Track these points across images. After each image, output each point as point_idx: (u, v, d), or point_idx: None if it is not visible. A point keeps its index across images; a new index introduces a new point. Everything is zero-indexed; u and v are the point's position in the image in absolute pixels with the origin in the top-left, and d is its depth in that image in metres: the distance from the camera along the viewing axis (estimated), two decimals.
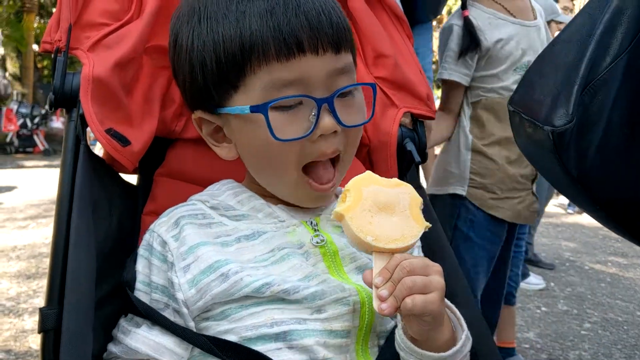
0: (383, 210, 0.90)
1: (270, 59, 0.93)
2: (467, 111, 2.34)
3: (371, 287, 0.87)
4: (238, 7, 0.95)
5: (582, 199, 1.14)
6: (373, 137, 1.38)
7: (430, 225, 0.92)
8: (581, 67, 1.05)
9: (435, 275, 0.87)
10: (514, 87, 1.78)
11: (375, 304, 0.84)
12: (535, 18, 2.39)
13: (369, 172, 0.94)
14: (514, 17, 2.31)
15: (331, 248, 1.02)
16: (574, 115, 1.05)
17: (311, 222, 1.06)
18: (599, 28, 1.06)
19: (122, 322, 1.01)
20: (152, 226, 1.04)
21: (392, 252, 0.88)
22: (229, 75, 0.96)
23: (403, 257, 0.86)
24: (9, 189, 8.29)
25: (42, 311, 0.98)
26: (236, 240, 1.00)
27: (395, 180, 0.95)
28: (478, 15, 2.27)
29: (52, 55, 1.14)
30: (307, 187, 1.01)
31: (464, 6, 2.30)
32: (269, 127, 0.93)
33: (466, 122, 2.34)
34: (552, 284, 4.91)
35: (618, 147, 1.08)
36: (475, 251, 2.34)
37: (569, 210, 8.77)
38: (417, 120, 1.43)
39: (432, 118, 1.41)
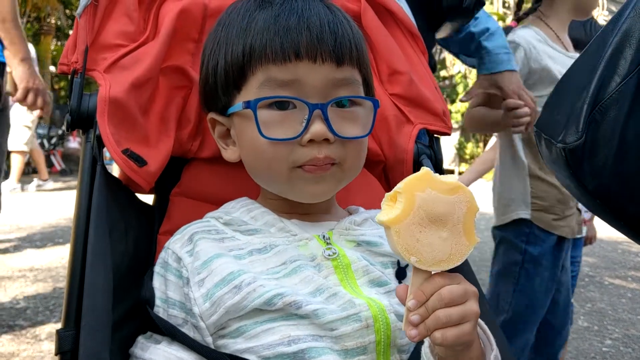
0: (434, 224, 0.82)
1: (268, 61, 0.97)
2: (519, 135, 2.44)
3: (404, 304, 0.83)
4: (251, 14, 1.02)
5: (605, 215, 1.14)
6: (389, 154, 1.37)
7: (480, 240, 0.86)
8: (590, 87, 1.07)
9: (472, 302, 0.84)
10: None
11: (405, 327, 0.82)
12: (570, 51, 2.55)
13: (426, 171, 0.84)
14: (563, 45, 2.49)
15: (343, 261, 1.02)
16: (584, 133, 1.07)
17: (324, 236, 1.05)
18: (608, 50, 1.08)
19: (140, 339, 1.00)
20: (167, 243, 1.05)
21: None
22: (234, 77, 1.02)
23: (442, 282, 0.82)
24: (26, 209, 8.36)
25: (59, 333, 0.97)
26: (249, 254, 1.00)
27: (454, 182, 0.84)
28: (532, 37, 2.44)
29: (69, 77, 1.15)
30: (300, 178, 1.00)
31: (517, 19, 2.61)
32: (256, 123, 0.96)
33: (519, 145, 2.45)
34: (572, 299, 4.84)
35: (636, 163, 1.08)
36: (545, 275, 2.41)
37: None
38: (433, 137, 1.42)
39: (448, 134, 1.41)
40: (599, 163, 1.07)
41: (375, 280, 1.02)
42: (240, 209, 1.09)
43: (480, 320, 0.93)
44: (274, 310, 0.93)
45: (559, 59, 2.43)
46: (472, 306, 0.83)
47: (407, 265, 1.07)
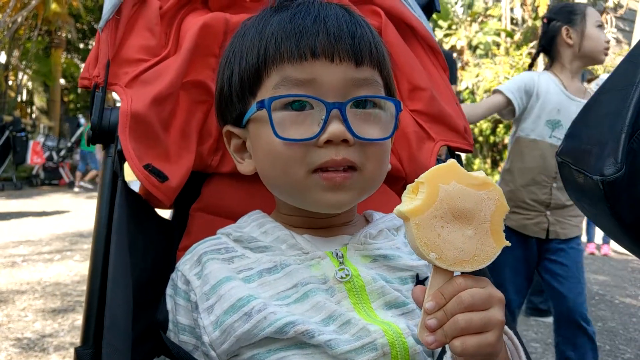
0: (458, 220, 0.75)
1: (283, 61, 0.93)
2: (511, 143, 3.08)
3: (420, 308, 0.77)
4: (266, 19, 0.99)
5: (637, 249, 1.10)
6: (410, 170, 1.35)
7: (510, 243, 0.78)
8: (627, 114, 1.04)
9: (496, 308, 0.77)
10: (541, 133, 2.92)
11: (421, 333, 0.76)
12: (586, 97, 2.97)
13: (452, 162, 0.78)
14: (565, 88, 2.98)
15: (357, 283, 0.95)
16: (623, 164, 1.02)
17: (337, 254, 0.98)
18: None
19: None
20: (177, 264, 1.03)
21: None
22: (249, 82, 0.98)
23: (464, 285, 0.76)
24: (35, 221, 8.38)
25: (77, 351, 0.96)
26: (258, 275, 0.95)
27: (483, 177, 0.77)
28: (544, 79, 3.01)
29: (91, 91, 1.14)
30: (318, 185, 0.93)
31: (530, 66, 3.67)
32: (271, 123, 0.91)
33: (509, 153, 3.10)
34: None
35: None
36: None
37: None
38: (454, 153, 1.41)
39: (470, 151, 1.39)
40: (637, 194, 1.03)
41: (392, 302, 0.95)
42: (251, 223, 1.05)
43: (508, 330, 0.87)
44: (287, 338, 0.88)
45: (558, 97, 2.95)
46: (496, 313, 0.76)
47: (426, 278, 1.01)
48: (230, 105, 1.03)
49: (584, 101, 2.85)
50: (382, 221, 1.08)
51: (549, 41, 3.08)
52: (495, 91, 3.03)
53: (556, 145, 2.85)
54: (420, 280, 1.01)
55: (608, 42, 3.00)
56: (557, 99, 2.95)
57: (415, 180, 0.77)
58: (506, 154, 3.30)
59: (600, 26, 3.00)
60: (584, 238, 7.58)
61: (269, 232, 1.02)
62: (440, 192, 0.75)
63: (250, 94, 0.99)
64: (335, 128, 0.90)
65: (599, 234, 8.37)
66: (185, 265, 1.00)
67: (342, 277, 0.95)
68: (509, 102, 2.96)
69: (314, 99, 0.91)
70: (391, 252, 1.01)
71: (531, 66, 3.58)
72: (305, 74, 0.92)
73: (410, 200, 0.77)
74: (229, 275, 0.95)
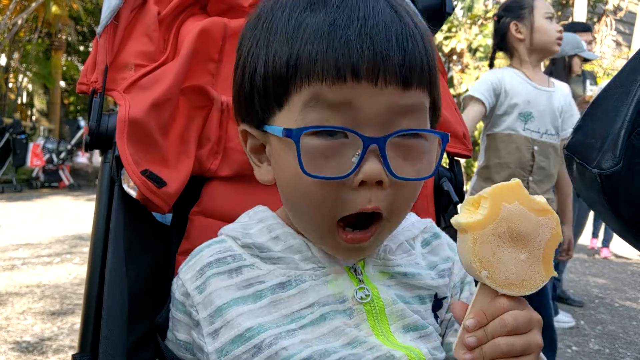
0: (514, 242, 0.74)
1: (318, 79, 0.79)
2: (484, 140, 3.12)
3: (459, 323, 0.76)
4: (298, 17, 0.83)
5: (638, 244, 1.10)
6: None
7: (556, 274, 0.78)
8: (627, 110, 1.04)
9: (535, 332, 0.76)
10: (514, 126, 2.94)
11: (457, 350, 0.75)
12: (550, 86, 3.10)
13: (518, 183, 0.75)
14: (530, 79, 3.03)
15: (377, 304, 0.90)
16: (620, 158, 1.02)
17: (355, 269, 0.92)
18: None
19: None
20: (180, 268, 0.98)
21: None
22: (275, 91, 0.84)
23: (508, 306, 0.74)
24: (35, 224, 8.37)
25: (75, 358, 0.96)
26: (270, 291, 0.89)
27: (544, 202, 0.76)
28: (508, 74, 3.03)
29: (88, 97, 1.14)
30: (339, 241, 0.86)
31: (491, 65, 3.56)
32: (299, 158, 0.79)
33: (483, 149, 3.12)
34: (582, 322, 4.80)
35: None
36: None
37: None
38: (453, 159, 1.41)
39: (468, 156, 1.39)
40: (636, 191, 1.04)
41: (411, 325, 0.91)
42: (258, 225, 0.97)
43: (543, 356, 0.85)
44: None
45: (525, 89, 2.99)
46: (536, 337, 0.75)
47: (444, 298, 0.98)
48: (251, 106, 0.90)
49: (551, 89, 3.09)
50: (401, 232, 1.00)
51: (501, 38, 3.13)
52: (470, 99, 3.02)
53: (530, 138, 2.95)
54: (438, 299, 0.98)
55: (560, 31, 3.01)
56: (525, 91, 2.97)
57: (478, 193, 0.76)
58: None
59: (550, 17, 3.01)
60: (588, 234, 7.62)
61: (281, 239, 0.94)
62: (502, 210, 0.74)
63: (276, 104, 0.85)
64: (372, 168, 0.79)
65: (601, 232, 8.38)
66: (187, 274, 0.94)
67: (361, 298, 0.89)
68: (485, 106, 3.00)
69: (351, 131, 0.79)
70: (411, 270, 0.96)
71: (491, 66, 3.57)
72: (341, 96, 0.78)
73: (470, 213, 0.76)
74: (237, 297, 0.88)
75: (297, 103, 0.82)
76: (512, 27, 3.02)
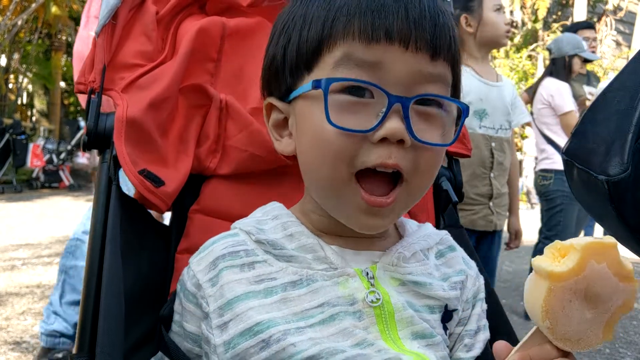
0: (586, 300, 0.72)
1: (352, 37, 0.82)
2: None
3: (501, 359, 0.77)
4: None
5: None
6: None
7: (612, 338, 0.76)
8: (634, 114, 1.01)
9: None
10: (471, 125, 2.85)
11: None
12: (499, 80, 3.07)
13: (614, 244, 0.73)
14: (480, 76, 2.97)
15: (387, 309, 0.89)
16: (629, 164, 1.00)
17: (367, 273, 0.91)
18: None
19: None
20: (190, 259, 0.96)
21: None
22: (307, 54, 0.87)
23: (554, 355, 0.74)
24: (35, 224, 8.37)
25: (72, 358, 0.95)
26: (282, 288, 0.88)
27: (631, 269, 0.73)
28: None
29: (86, 96, 1.14)
30: (357, 202, 0.86)
31: None
32: (325, 107, 0.81)
33: None
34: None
35: None
36: None
37: None
38: (452, 159, 1.40)
39: (468, 156, 1.39)
40: None
41: (419, 332, 0.90)
42: (273, 222, 0.97)
43: None
44: None
45: (474, 84, 2.91)
46: None
47: (454, 310, 0.97)
48: (281, 77, 0.93)
49: (500, 84, 3.06)
50: (417, 241, 0.99)
51: None
52: None
53: (487, 135, 2.94)
54: (448, 311, 0.97)
55: (509, 23, 2.97)
56: (477, 89, 2.92)
57: (570, 242, 0.73)
58: None
59: (499, 9, 2.96)
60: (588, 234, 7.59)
61: (295, 237, 0.94)
62: (587, 268, 0.71)
63: (306, 68, 0.89)
64: (394, 126, 0.81)
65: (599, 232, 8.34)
66: (200, 265, 0.93)
67: (372, 302, 0.89)
68: None
69: (378, 87, 0.81)
70: (423, 280, 0.95)
71: None
72: (373, 56, 0.82)
73: (554, 259, 0.73)
74: (248, 291, 0.88)
75: (329, 62, 0.85)
76: (463, 20, 2.94)
